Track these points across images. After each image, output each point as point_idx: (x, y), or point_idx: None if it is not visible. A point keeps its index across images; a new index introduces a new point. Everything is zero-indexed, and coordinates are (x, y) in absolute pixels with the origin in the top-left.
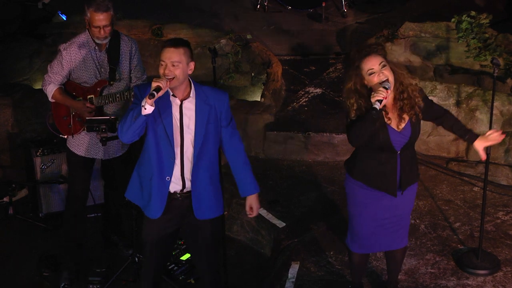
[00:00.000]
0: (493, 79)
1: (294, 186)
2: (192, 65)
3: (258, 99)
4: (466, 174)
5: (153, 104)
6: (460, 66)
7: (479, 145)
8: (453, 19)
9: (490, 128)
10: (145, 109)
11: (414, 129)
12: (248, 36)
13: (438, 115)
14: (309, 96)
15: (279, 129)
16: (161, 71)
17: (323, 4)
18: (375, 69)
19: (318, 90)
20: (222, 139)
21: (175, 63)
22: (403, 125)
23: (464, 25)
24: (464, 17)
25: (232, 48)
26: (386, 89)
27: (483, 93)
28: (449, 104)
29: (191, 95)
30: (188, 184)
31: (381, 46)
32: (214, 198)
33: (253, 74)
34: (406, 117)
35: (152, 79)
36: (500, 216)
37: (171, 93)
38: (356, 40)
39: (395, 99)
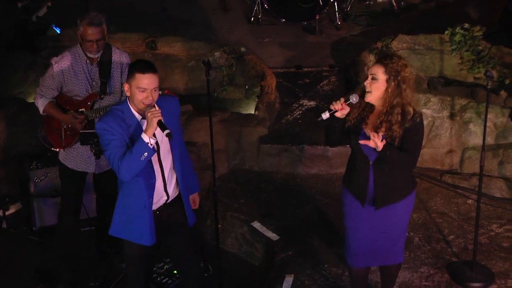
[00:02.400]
0: (487, 91)
1: (288, 199)
2: None
3: (252, 112)
4: (460, 186)
5: (154, 136)
6: (454, 78)
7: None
8: (446, 32)
9: (484, 140)
10: (150, 144)
11: (394, 142)
12: (242, 49)
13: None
14: (303, 108)
15: (273, 142)
16: (140, 97)
17: (317, 17)
18: (368, 77)
19: (312, 103)
20: None
21: (156, 89)
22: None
23: (457, 38)
24: (457, 29)
25: (226, 61)
26: (348, 103)
27: (477, 106)
28: (443, 116)
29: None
30: (172, 193)
31: (395, 58)
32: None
33: (247, 87)
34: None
35: (147, 113)
36: (494, 229)
37: (141, 117)
38: (350, 53)
39: (380, 112)
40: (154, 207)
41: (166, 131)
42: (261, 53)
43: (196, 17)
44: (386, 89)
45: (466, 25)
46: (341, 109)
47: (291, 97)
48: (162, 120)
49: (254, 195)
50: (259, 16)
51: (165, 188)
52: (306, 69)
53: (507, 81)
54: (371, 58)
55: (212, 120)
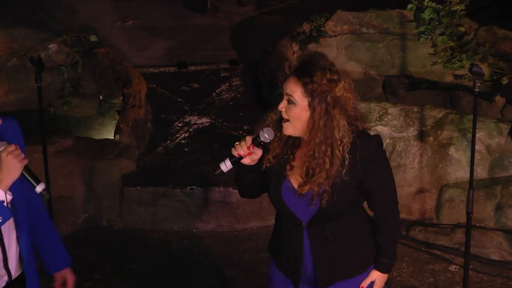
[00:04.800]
0: (474, 96)
1: (171, 272)
2: None
3: (111, 136)
4: (437, 245)
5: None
6: (423, 77)
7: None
8: (409, 5)
9: (472, 173)
10: (7, 204)
11: (331, 196)
12: (92, 38)
13: (371, 198)
14: (191, 129)
15: (144, 183)
16: None
17: None
18: (284, 97)
19: (205, 120)
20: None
21: None
22: (306, 188)
23: (427, 14)
24: (427, 1)
25: (67, 57)
26: (256, 143)
27: (459, 119)
28: (408, 136)
29: None
30: (15, 270)
31: (318, 73)
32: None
33: (101, 97)
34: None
35: (2, 152)
36: None
37: None
38: (261, 42)
39: (307, 150)
40: None
41: (40, 186)
42: (122, 43)
43: None
44: (311, 117)
45: None
46: (249, 154)
47: (171, 112)
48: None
49: (117, 267)
50: None
51: (5, 264)
52: (193, 68)
53: (504, 80)
54: (295, 49)
55: (48, 151)
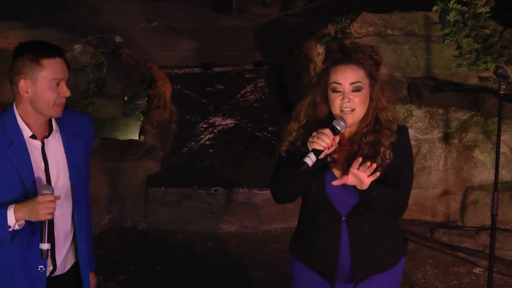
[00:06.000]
0: (499, 98)
1: (195, 273)
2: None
3: (135, 137)
4: (462, 247)
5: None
6: (448, 79)
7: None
8: (435, 7)
9: (497, 175)
10: (13, 228)
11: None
12: (118, 39)
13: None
14: (215, 130)
15: (169, 184)
16: (53, 95)
17: None
18: (342, 88)
19: (229, 121)
20: None
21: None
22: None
23: (452, 16)
24: (452, 3)
25: (92, 58)
26: (335, 132)
27: (484, 121)
28: (432, 138)
29: (54, 127)
30: (61, 263)
31: (374, 54)
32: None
33: (126, 98)
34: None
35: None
36: None
37: (30, 134)
38: (286, 43)
39: (353, 136)
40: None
41: (44, 245)
42: (147, 44)
43: None
44: (369, 98)
45: None
46: (331, 146)
47: (195, 113)
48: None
49: (140, 268)
50: None
51: (52, 253)
52: (218, 69)
53: None
54: (320, 50)
55: None
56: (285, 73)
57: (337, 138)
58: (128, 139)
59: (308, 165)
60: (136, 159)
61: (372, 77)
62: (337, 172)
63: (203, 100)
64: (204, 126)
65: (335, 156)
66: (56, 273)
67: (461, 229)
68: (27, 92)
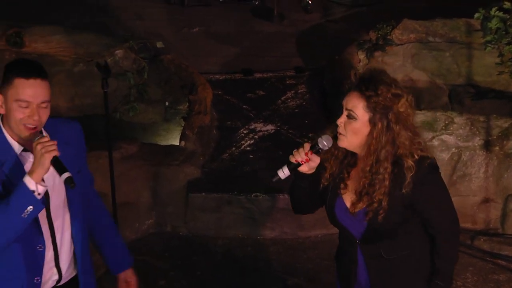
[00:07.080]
0: None
1: (235, 279)
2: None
3: (176, 142)
4: (502, 255)
5: (42, 180)
6: (489, 87)
7: None
8: (476, 15)
9: None
10: (38, 194)
11: (387, 213)
12: (159, 45)
13: (424, 220)
14: (256, 136)
15: (209, 190)
16: (20, 115)
17: None
18: (342, 113)
19: (270, 127)
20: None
21: (46, 104)
22: (360, 206)
23: (494, 24)
24: (493, 11)
25: (133, 63)
26: (313, 149)
27: None
28: (473, 146)
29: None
30: (66, 271)
31: (382, 87)
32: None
33: (167, 104)
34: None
35: (35, 144)
36: None
37: (21, 148)
38: (327, 49)
39: (364, 167)
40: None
41: (65, 175)
42: (188, 50)
43: None
44: (370, 133)
45: (507, 5)
46: (307, 161)
47: (236, 119)
48: (58, 157)
49: (181, 273)
50: None
51: (56, 263)
52: (259, 75)
53: None
54: (361, 57)
55: (114, 157)
56: (326, 79)
57: (315, 158)
58: (169, 145)
59: (279, 177)
60: (176, 165)
61: (375, 113)
62: (346, 199)
63: (244, 106)
64: (244, 132)
65: (348, 182)
66: (63, 280)
67: (501, 237)
68: (2, 107)
